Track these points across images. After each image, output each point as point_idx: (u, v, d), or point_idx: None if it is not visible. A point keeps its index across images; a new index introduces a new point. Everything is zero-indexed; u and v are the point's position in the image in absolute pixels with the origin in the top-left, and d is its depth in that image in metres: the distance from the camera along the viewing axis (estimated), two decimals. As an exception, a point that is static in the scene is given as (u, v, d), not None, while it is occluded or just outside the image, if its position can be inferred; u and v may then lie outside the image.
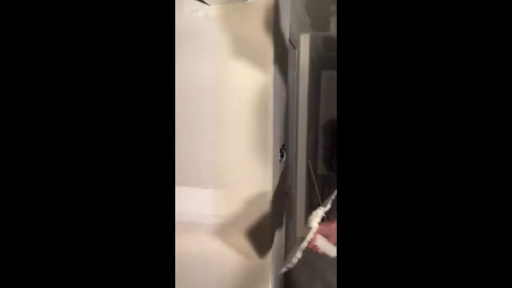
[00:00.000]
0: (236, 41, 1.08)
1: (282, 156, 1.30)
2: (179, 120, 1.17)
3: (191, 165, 1.18)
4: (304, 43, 2.39)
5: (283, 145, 1.31)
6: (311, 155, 3.15)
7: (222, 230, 1.18)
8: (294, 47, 2.14)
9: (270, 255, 1.15)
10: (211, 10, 1.09)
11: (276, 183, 1.21)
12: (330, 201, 0.74)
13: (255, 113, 1.10)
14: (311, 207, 3.37)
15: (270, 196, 1.13)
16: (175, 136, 1.17)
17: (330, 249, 0.69)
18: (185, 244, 1.21)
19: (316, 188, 3.05)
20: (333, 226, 0.69)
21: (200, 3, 1.08)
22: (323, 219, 0.72)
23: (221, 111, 1.13)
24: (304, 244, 0.69)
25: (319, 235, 0.70)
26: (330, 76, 4.09)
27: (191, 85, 1.14)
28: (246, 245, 1.16)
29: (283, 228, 1.43)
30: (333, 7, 1.86)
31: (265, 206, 1.13)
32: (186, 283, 1.25)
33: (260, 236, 1.15)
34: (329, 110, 4.15)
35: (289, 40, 1.55)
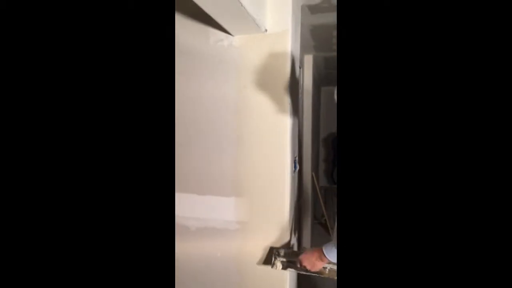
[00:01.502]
0: (257, 66, 1.23)
1: (295, 167, 1.43)
2: (204, 135, 1.31)
3: (216, 176, 1.31)
4: (308, 63, 2.57)
5: (295, 158, 1.44)
6: (314, 168, 3.28)
7: (243, 235, 1.30)
8: (300, 67, 2.31)
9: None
10: (235, 40, 1.25)
11: (292, 192, 1.33)
12: None
13: (273, 130, 1.24)
14: (315, 218, 3.47)
15: (287, 203, 1.26)
16: (202, 150, 1.31)
17: None
18: (210, 248, 1.32)
19: (320, 200, 3.16)
20: None
21: (225, 33, 1.24)
22: None
23: (243, 128, 1.27)
24: None
25: None
26: (329, 92, 4.28)
27: (217, 106, 1.28)
28: (265, 249, 1.28)
29: (296, 235, 1.55)
30: (335, 32, 2.05)
31: (282, 212, 1.26)
32: (210, 283, 1.35)
33: (278, 240, 1.26)
34: (329, 124, 4.32)
35: (298, 62, 1.71)
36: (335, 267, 1.06)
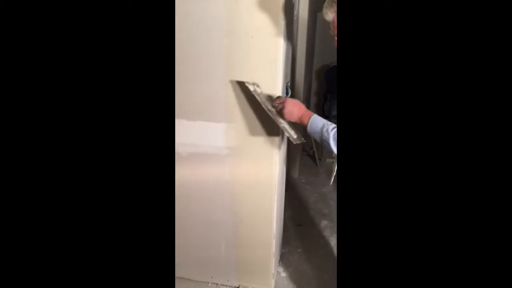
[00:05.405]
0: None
1: (287, 93, 1.39)
2: (193, 58, 1.22)
3: (206, 101, 1.27)
4: (305, -18, 2.32)
5: (288, 83, 1.40)
6: (306, 100, 3.25)
7: (233, 160, 1.32)
8: (295, -14, 2.08)
9: (276, 175, 1.32)
10: None
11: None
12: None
13: (266, 50, 1.16)
14: (303, 150, 3.57)
15: (277, 128, 1.26)
16: (191, 75, 1.24)
17: None
18: (202, 173, 1.36)
19: (310, 132, 3.22)
20: None
21: None
22: None
23: (234, 48, 1.18)
24: None
25: None
26: (325, 20, 3.98)
27: (205, 24, 1.17)
28: (254, 171, 1.32)
29: (285, 162, 1.59)
30: None
31: (272, 137, 1.27)
32: (203, 207, 1.43)
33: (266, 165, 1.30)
34: (323, 55, 4.12)
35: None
36: (295, 137, 1.09)
